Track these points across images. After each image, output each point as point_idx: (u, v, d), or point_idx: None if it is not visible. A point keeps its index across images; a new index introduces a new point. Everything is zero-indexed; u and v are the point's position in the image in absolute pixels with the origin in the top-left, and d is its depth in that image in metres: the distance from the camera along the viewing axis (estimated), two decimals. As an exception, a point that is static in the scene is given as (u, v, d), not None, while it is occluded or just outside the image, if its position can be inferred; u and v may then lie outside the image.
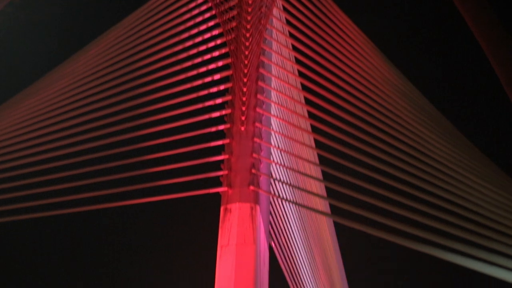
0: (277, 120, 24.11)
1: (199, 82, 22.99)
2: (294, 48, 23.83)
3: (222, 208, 21.82)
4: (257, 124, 22.33)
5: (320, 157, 26.67)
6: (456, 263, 17.69)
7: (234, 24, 23.64)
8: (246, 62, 22.87)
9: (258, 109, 22.54)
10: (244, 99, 22.51)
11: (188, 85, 22.92)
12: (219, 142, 22.30)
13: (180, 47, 23.81)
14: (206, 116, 22.48)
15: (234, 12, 23.83)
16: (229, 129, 22.40)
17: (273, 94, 23.98)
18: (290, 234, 25.71)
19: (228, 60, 23.11)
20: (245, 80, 22.67)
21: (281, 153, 24.56)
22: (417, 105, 23.86)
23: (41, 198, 22.09)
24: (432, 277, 50.54)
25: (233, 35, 23.45)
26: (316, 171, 28.62)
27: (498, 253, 17.51)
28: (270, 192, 22.65)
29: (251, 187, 21.55)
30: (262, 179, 21.95)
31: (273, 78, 23.94)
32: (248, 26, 23.43)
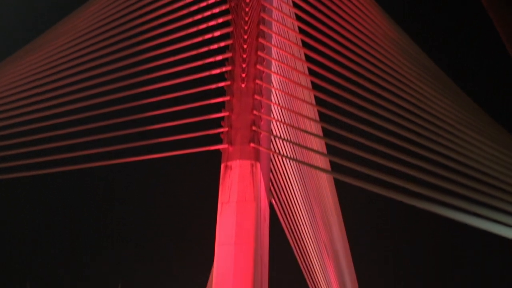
0: (278, 77, 24.04)
1: (199, 39, 22.87)
2: (295, 5, 23.67)
3: (222, 166, 21.87)
4: (258, 81, 22.28)
5: (320, 114, 26.64)
6: (455, 219, 17.78)
7: (234, -20, 23.44)
8: (246, 18, 22.73)
9: (258, 66, 22.47)
10: (244, 56, 22.43)
11: (188, 42, 22.81)
12: (220, 99, 22.28)
13: (180, 3, 23.64)
14: (206, 73, 22.41)
15: (234, -32, 23.62)
16: (229, 86, 22.36)
17: (274, 51, 23.89)
18: (290, 191, 25.79)
19: (229, 17, 22.97)
20: (245, 37, 22.56)
21: (281, 110, 24.54)
22: (418, 62, 23.78)
23: (37, 156, 22.11)
24: (431, 231, 50.90)
25: (233, -9, 23.27)
26: (317, 128, 28.62)
27: (497, 210, 17.58)
28: (271, 149, 22.68)
29: (252, 144, 21.58)
30: (263, 136, 21.96)
31: (273, 35, 23.83)
32: (249, -18, 23.25)
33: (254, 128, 21.68)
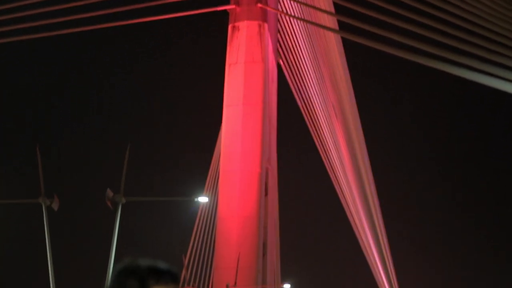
0: None
1: None
2: None
3: (230, 26, 21.78)
4: None
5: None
6: (464, 78, 17.76)
7: None
8: None
9: None
10: None
11: None
12: (226, -41, 21.95)
13: None
14: None
15: None
16: None
17: None
18: (298, 52, 25.70)
19: None
20: None
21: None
22: None
23: (43, 18, 21.95)
24: (437, 93, 51.07)
25: None
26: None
27: (505, 67, 17.51)
28: (278, 9, 22.50)
29: (259, 5, 21.40)
30: (270, -4, 21.77)
31: None
32: None
33: (261, -13, 21.44)
